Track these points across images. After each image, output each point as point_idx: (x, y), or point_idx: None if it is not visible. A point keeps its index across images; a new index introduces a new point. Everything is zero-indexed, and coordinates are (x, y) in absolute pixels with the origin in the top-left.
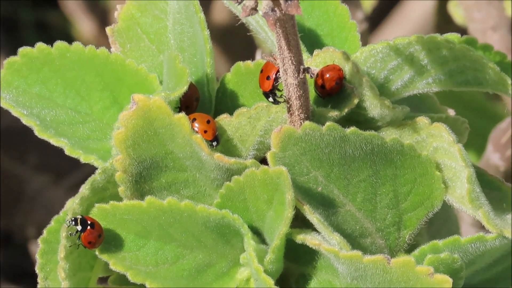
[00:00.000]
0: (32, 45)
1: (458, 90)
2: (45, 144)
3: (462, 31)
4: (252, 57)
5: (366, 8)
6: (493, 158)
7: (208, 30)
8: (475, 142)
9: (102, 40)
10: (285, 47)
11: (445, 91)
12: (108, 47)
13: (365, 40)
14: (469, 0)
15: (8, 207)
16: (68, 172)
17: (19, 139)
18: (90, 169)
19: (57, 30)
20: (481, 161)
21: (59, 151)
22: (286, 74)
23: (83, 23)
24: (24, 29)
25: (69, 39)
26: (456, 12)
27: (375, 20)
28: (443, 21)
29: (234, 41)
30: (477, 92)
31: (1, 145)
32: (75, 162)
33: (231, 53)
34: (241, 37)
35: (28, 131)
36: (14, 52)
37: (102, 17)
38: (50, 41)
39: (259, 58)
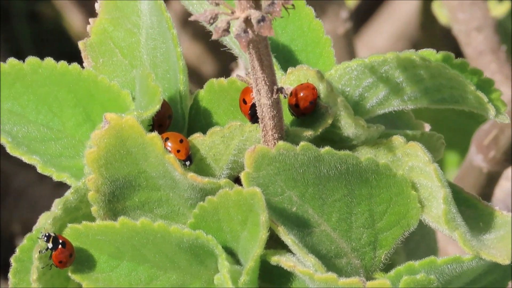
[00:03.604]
0: (23, 36)
1: (434, 108)
2: None
3: (447, 31)
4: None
5: (349, 7)
6: (476, 159)
7: (181, 47)
8: (459, 142)
9: None
10: (258, 68)
11: None
12: None
13: (349, 40)
14: (453, 0)
15: None
16: None
17: None
18: None
19: (48, 22)
20: (464, 163)
21: None
22: (260, 94)
23: (74, 15)
24: (16, 20)
25: (60, 31)
26: (441, 13)
27: (360, 20)
28: (428, 21)
29: (218, 52)
30: None
31: None
32: None
33: (218, 52)
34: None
35: None
36: (6, 43)
37: (93, 9)
38: (41, 33)
39: (230, 77)
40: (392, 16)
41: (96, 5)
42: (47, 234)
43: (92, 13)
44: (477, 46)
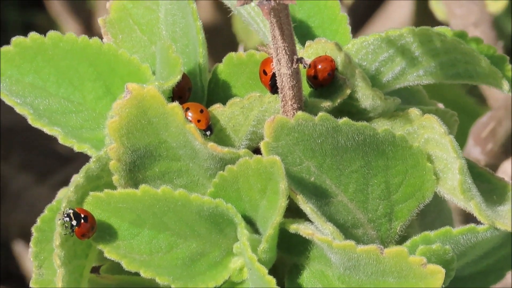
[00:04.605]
0: None
1: (448, 83)
2: (29, 143)
3: None
4: None
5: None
6: (474, 152)
7: (200, 21)
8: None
9: None
10: (279, 37)
11: (428, 87)
12: None
13: None
14: None
15: None
16: (51, 171)
17: (3, 137)
18: (74, 168)
19: (44, 32)
20: None
21: (43, 150)
22: (280, 64)
23: (69, 25)
24: (11, 31)
25: None
26: (438, 8)
27: (357, 21)
28: (426, 20)
29: (217, 39)
30: (459, 90)
31: None
32: (58, 161)
33: (214, 51)
34: (224, 36)
35: (11, 130)
36: None
37: (88, 19)
38: None
39: (249, 50)
40: (389, 16)
41: None
42: (67, 214)
43: (88, 25)
44: None
